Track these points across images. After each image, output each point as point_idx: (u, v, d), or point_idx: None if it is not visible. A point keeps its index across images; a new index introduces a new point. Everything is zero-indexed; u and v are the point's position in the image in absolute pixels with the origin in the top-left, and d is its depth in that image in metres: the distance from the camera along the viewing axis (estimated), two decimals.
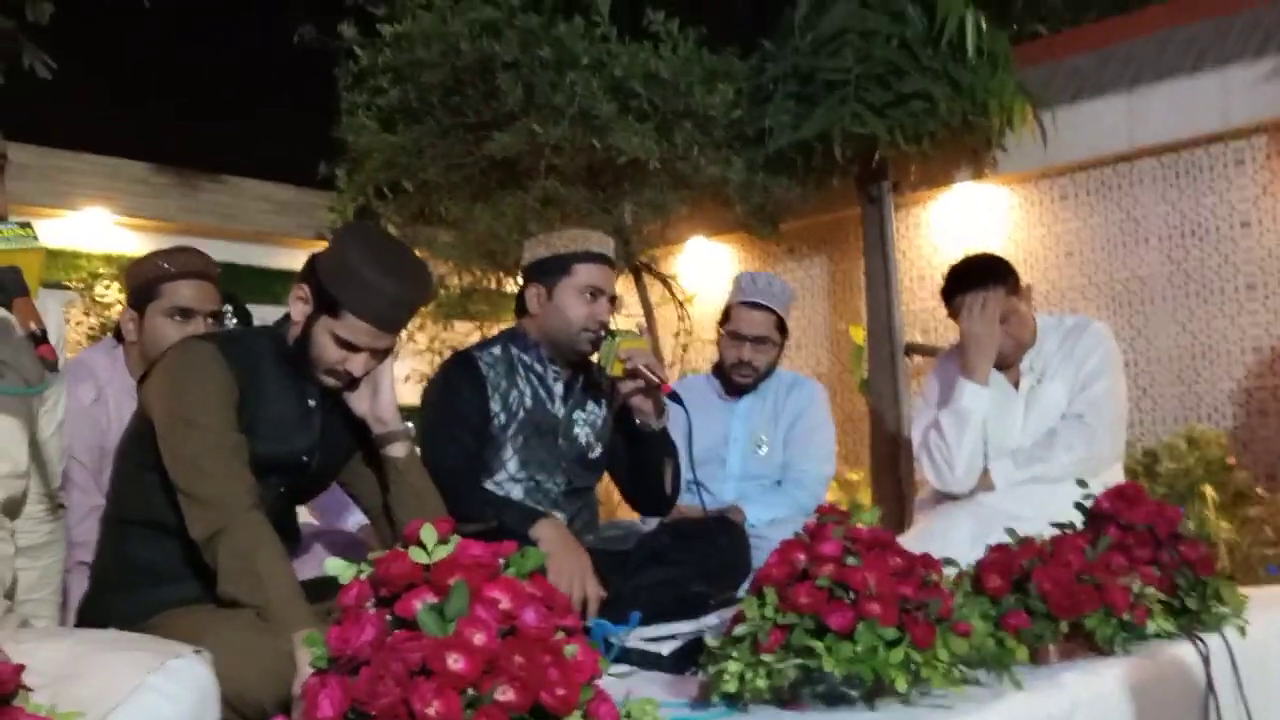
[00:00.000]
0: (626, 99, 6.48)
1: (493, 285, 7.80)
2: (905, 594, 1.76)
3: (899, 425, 6.56)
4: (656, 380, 2.95)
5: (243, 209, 8.49)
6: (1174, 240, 6.47)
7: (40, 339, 1.63)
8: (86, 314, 7.17)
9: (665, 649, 2.33)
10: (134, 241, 7.78)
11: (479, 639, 1.21)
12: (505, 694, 1.19)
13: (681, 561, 2.95)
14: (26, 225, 1.71)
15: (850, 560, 1.79)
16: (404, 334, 2.35)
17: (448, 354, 3.07)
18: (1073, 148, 6.65)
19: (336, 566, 1.34)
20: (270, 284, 7.53)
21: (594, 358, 3.06)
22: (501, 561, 1.33)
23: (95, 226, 7.78)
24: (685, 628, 2.48)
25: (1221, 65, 6.24)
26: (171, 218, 8.11)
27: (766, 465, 3.88)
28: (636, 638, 2.45)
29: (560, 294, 3.01)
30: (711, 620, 2.48)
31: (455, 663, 1.18)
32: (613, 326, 3.06)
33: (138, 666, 1.65)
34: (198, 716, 1.70)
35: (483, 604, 1.25)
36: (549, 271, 3.03)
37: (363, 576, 1.32)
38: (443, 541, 1.30)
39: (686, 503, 3.34)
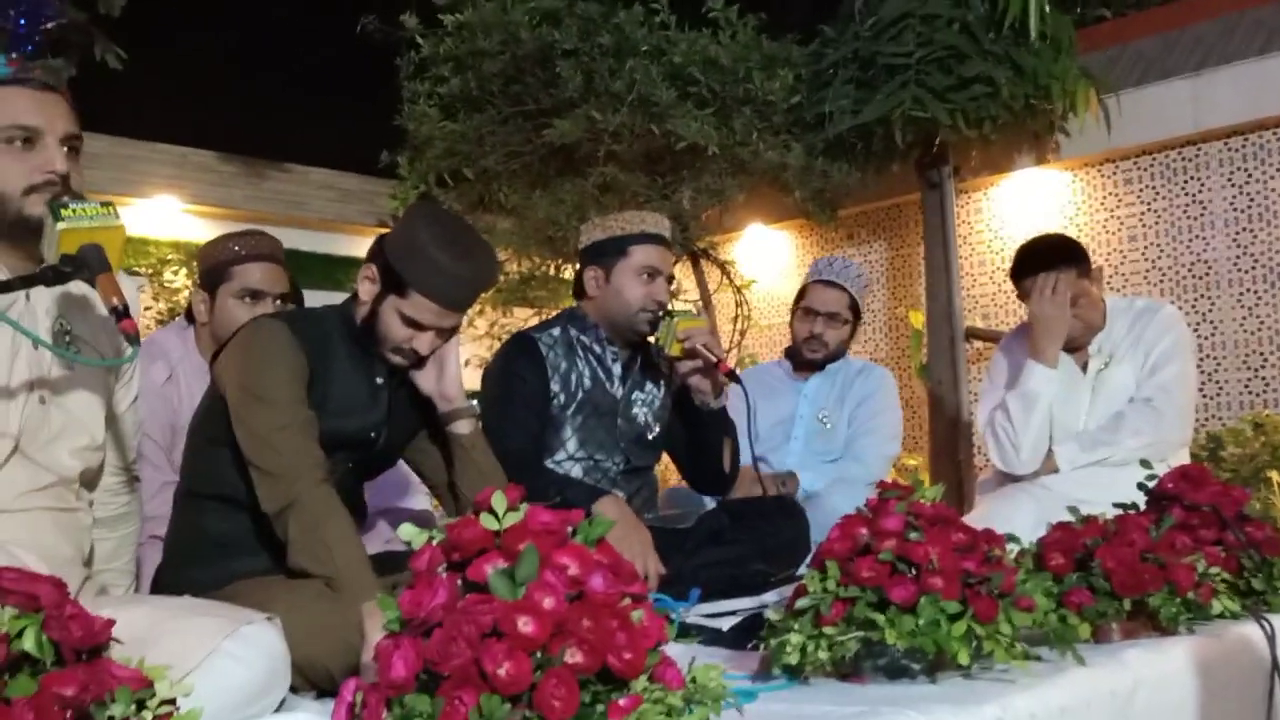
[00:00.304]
0: (686, 86, 6.50)
1: (551, 271, 7.85)
2: (968, 568, 1.76)
3: (958, 411, 6.53)
4: (714, 359, 2.97)
5: (307, 197, 8.61)
6: (1240, 224, 6.38)
7: (123, 314, 1.68)
8: (155, 299, 7.31)
9: (725, 624, 2.35)
10: (201, 229, 7.92)
11: (548, 603, 1.24)
12: (574, 656, 1.22)
13: (740, 541, 2.97)
14: (108, 204, 1.75)
15: (913, 535, 1.79)
16: (465, 319, 2.37)
17: (507, 339, 3.12)
18: (1137, 132, 6.58)
19: (409, 532, 1.37)
20: (333, 270, 7.64)
21: (652, 338, 3.08)
22: (570, 529, 1.36)
23: (164, 214, 7.93)
24: (745, 604, 2.50)
25: None
26: (238, 205, 8.24)
27: (830, 442, 3.90)
28: (696, 614, 2.47)
29: (618, 276, 3.03)
30: (771, 597, 2.50)
31: (525, 625, 1.21)
32: (671, 307, 3.08)
33: (213, 632, 1.70)
34: (269, 681, 1.75)
35: (552, 569, 1.28)
36: (606, 254, 3.06)
37: (435, 542, 1.35)
38: (513, 509, 1.33)
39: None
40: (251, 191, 8.34)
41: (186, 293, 6.71)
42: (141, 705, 0.96)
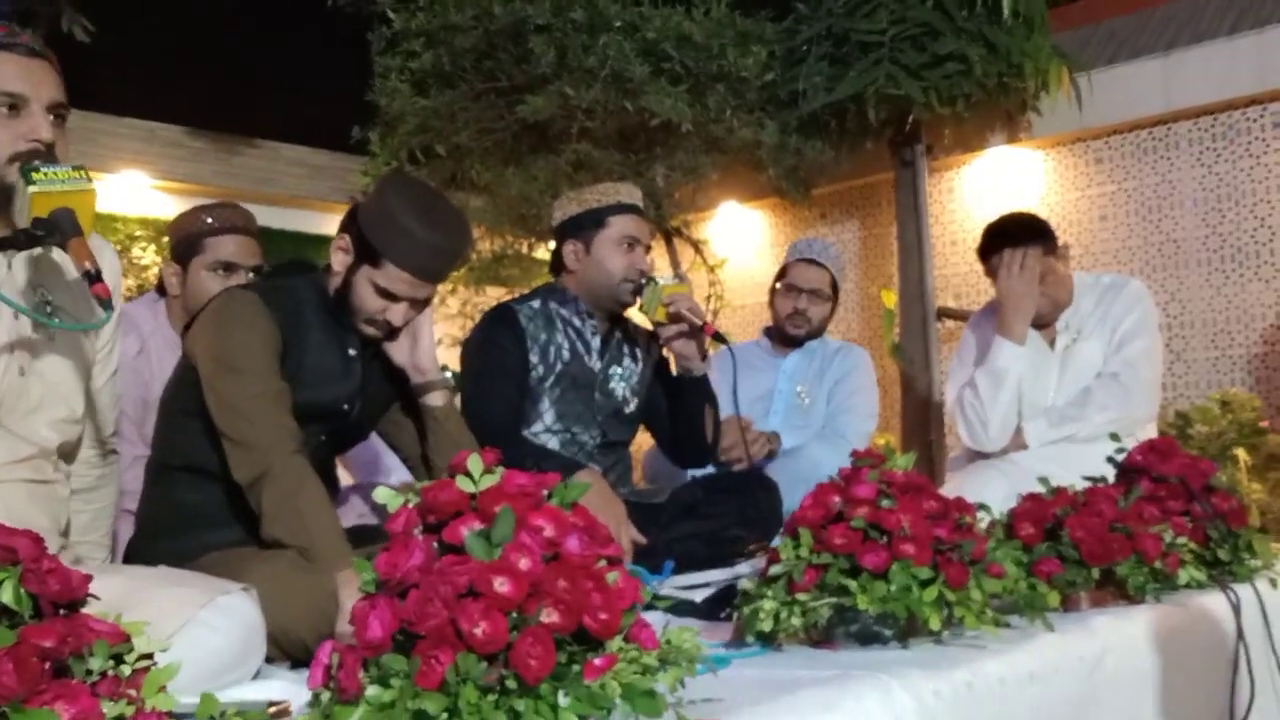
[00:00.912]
0: (659, 62, 6.49)
1: (524, 250, 7.83)
2: (939, 535, 1.78)
3: (930, 390, 6.57)
4: (699, 323, 2.98)
5: (277, 173, 8.55)
6: (1209, 204, 6.44)
7: (95, 278, 1.67)
8: (125, 275, 7.24)
9: (698, 596, 2.36)
10: (170, 205, 7.86)
11: (524, 564, 1.24)
12: (550, 616, 1.22)
13: (715, 515, 2.98)
14: (80, 168, 1.74)
15: (885, 503, 1.81)
16: (436, 298, 2.36)
17: (479, 318, 3.12)
18: (1108, 111, 6.62)
19: (385, 495, 1.37)
20: (304, 248, 7.59)
21: (635, 307, 3.08)
22: (545, 492, 1.36)
23: (132, 190, 7.86)
24: (719, 575, 2.51)
25: (1259, 27, 6.19)
26: (207, 181, 8.19)
27: (807, 417, 3.93)
28: (670, 586, 2.48)
29: (598, 247, 3.04)
30: (744, 569, 2.52)
31: (501, 586, 1.21)
32: (652, 276, 3.09)
33: (188, 602, 1.70)
34: (245, 651, 1.75)
35: (528, 531, 1.28)
36: (583, 226, 3.06)
37: (411, 505, 1.35)
38: (488, 471, 1.33)
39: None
40: (221, 167, 8.29)
41: (155, 270, 6.67)
42: (120, 660, 0.96)
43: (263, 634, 1.81)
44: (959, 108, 6.13)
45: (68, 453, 2.06)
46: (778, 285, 4.09)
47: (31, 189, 1.69)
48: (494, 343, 3.02)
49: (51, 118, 1.87)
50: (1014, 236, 3.50)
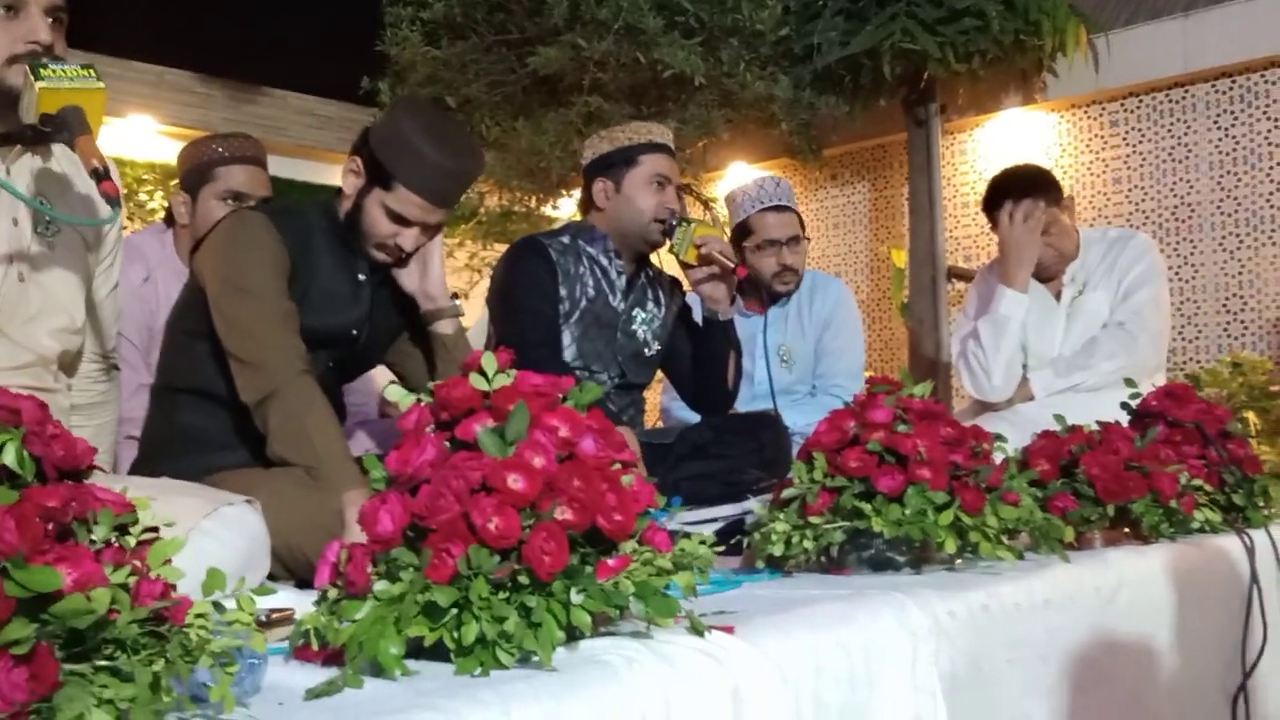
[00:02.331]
0: (673, 15, 6.41)
1: (533, 205, 7.78)
2: (956, 461, 1.76)
3: (938, 350, 6.54)
4: (731, 265, 2.93)
5: (286, 122, 8.50)
6: (1224, 167, 6.38)
7: (104, 175, 1.64)
8: (130, 219, 7.22)
9: (707, 530, 2.34)
10: (177, 151, 7.78)
11: (538, 461, 1.22)
12: (564, 514, 1.20)
13: (724, 455, 2.96)
14: (89, 66, 1.71)
15: (901, 427, 1.78)
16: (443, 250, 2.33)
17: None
18: (1125, 72, 6.56)
19: (395, 393, 1.34)
20: (310, 197, 7.55)
21: (665, 248, 3.04)
22: (560, 395, 1.33)
23: (140, 134, 7.81)
24: (728, 510, 2.48)
25: None
26: (214, 128, 8.09)
27: (793, 374, 3.81)
28: (678, 521, 2.45)
29: (628, 185, 3.00)
30: (753, 504, 2.49)
31: (515, 482, 1.19)
32: (686, 215, 3.05)
33: (192, 511, 1.68)
34: (248, 563, 1.73)
35: (542, 430, 1.26)
36: (614, 164, 3.02)
37: (423, 404, 1.33)
38: (502, 371, 1.31)
39: None
40: (229, 114, 8.22)
41: (161, 214, 6.64)
42: (124, 530, 0.94)
43: (266, 547, 1.79)
44: (975, 65, 6.06)
45: (68, 364, 2.04)
46: (748, 244, 3.76)
47: (40, 85, 1.66)
48: (526, 269, 2.98)
49: (50, 20, 1.83)
50: (1017, 188, 3.47)
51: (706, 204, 7.88)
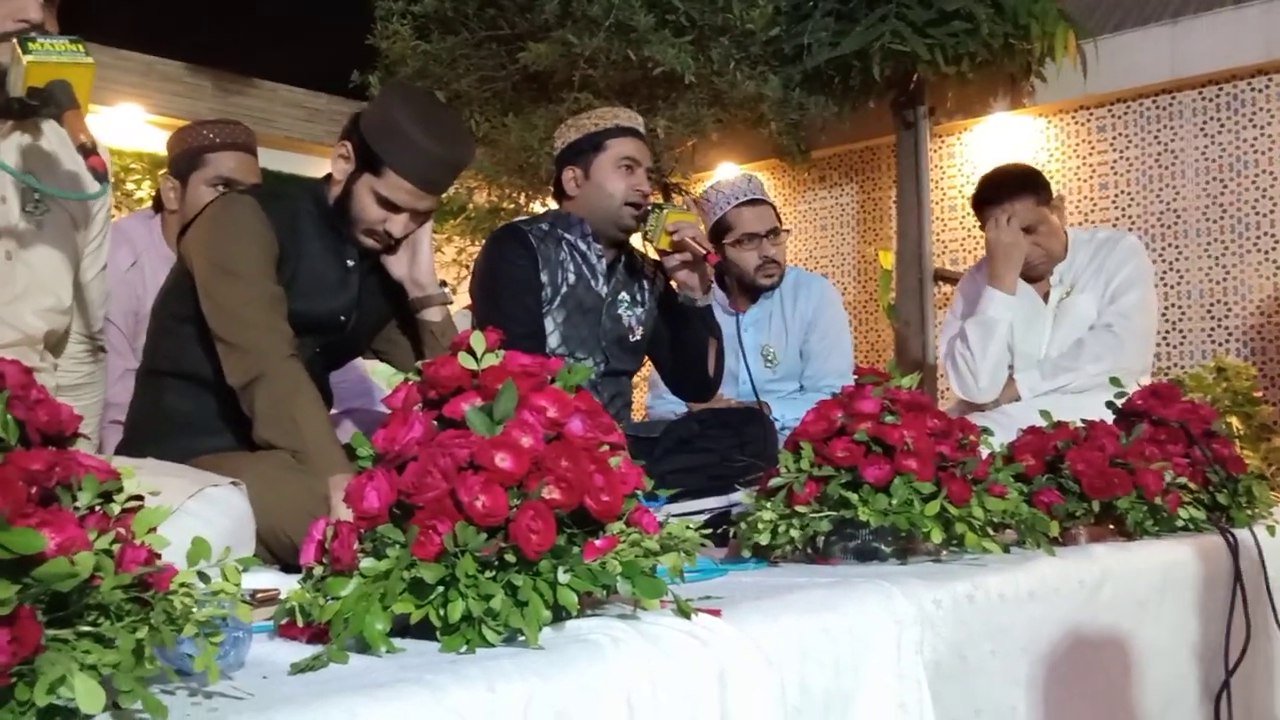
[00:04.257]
0: (664, 12, 6.41)
1: (521, 201, 7.77)
2: (943, 451, 1.76)
3: (924, 351, 6.55)
4: (703, 252, 2.92)
5: (275, 114, 8.46)
6: (1211, 174, 6.40)
7: (91, 150, 1.63)
8: (118, 208, 7.19)
9: (693, 522, 2.33)
10: (165, 140, 7.76)
11: (526, 441, 1.21)
12: (551, 493, 1.19)
13: (710, 449, 2.95)
14: (78, 41, 1.70)
15: (888, 418, 1.78)
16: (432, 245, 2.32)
17: (493, 232, 3.06)
18: (1113, 78, 6.57)
19: (384, 373, 1.34)
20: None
21: (640, 235, 3.03)
22: (548, 375, 1.33)
23: (128, 123, 7.77)
24: (713, 503, 2.48)
25: None
26: (203, 119, 8.09)
27: (778, 372, 3.80)
28: (664, 514, 2.45)
29: (597, 170, 2.99)
30: (739, 497, 2.49)
31: (503, 461, 1.18)
32: (658, 202, 3.04)
33: (177, 491, 1.67)
34: (233, 544, 1.70)
35: (530, 410, 1.25)
36: (582, 151, 3.02)
37: (410, 382, 1.32)
38: (491, 351, 1.30)
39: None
40: (218, 105, 8.18)
41: (149, 204, 6.62)
42: (109, 498, 0.93)
43: (252, 528, 1.78)
44: (964, 68, 6.07)
45: (54, 344, 2.03)
46: (727, 241, 3.70)
47: (28, 58, 1.65)
48: (507, 258, 2.97)
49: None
50: (1007, 188, 3.48)
51: (696, 203, 7.88)
